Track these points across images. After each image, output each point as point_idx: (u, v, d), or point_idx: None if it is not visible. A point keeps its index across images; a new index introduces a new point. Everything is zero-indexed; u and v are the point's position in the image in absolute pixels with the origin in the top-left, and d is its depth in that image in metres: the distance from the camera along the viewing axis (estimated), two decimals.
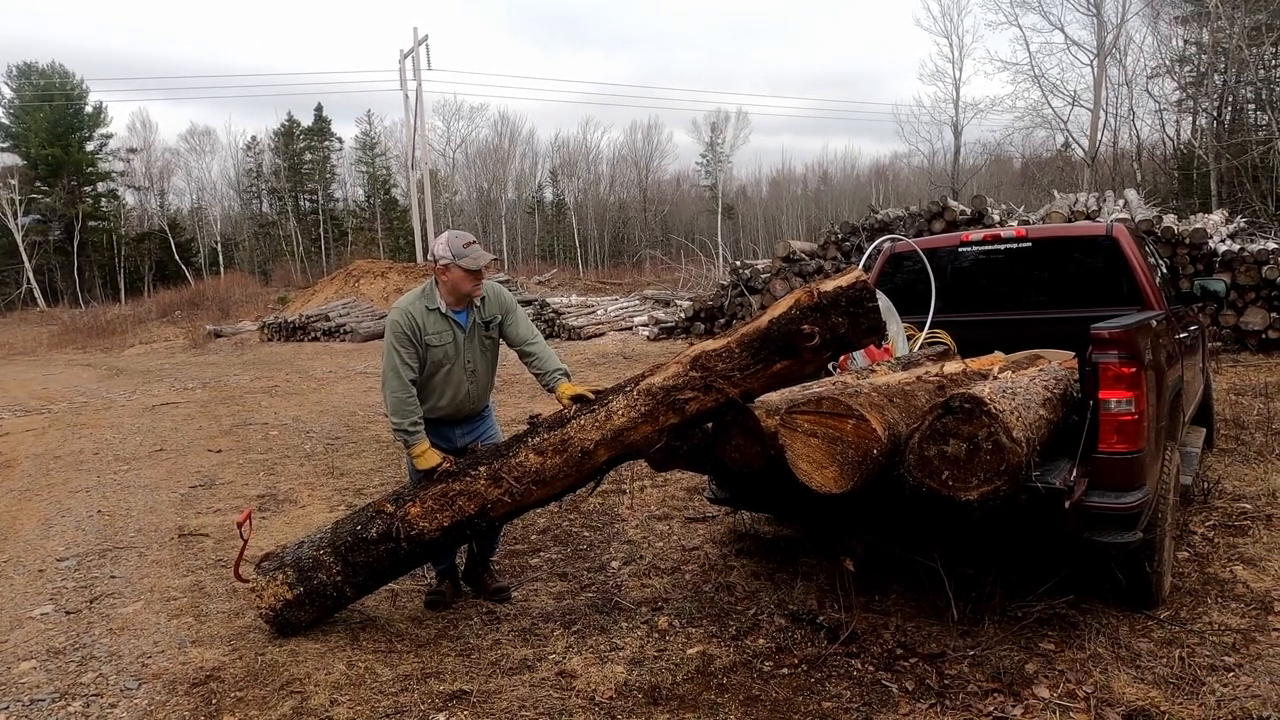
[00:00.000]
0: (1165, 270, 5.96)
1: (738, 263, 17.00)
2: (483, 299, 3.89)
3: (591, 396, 3.54)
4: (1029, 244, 5.05)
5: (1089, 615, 3.46)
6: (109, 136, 51.06)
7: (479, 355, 3.95)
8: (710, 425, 3.37)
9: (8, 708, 3.19)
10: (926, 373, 3.73)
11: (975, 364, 4.13)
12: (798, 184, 67.59)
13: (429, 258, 3.84)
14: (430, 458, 3.69)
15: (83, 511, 6.10)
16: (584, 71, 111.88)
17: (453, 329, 3.83)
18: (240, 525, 3.81)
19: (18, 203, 43.21)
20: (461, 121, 60.66)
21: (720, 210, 56.86)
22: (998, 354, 4.60)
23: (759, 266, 15.92)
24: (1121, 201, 13.87)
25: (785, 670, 3.23)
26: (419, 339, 3.74)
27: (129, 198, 53.43)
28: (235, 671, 3.41)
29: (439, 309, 3.80)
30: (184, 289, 38.27)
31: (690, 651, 3.41)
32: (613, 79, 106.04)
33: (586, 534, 5.08)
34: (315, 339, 21.85)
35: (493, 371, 4.09)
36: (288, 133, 57.12)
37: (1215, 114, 24.64)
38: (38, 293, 43.67)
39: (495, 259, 3.61)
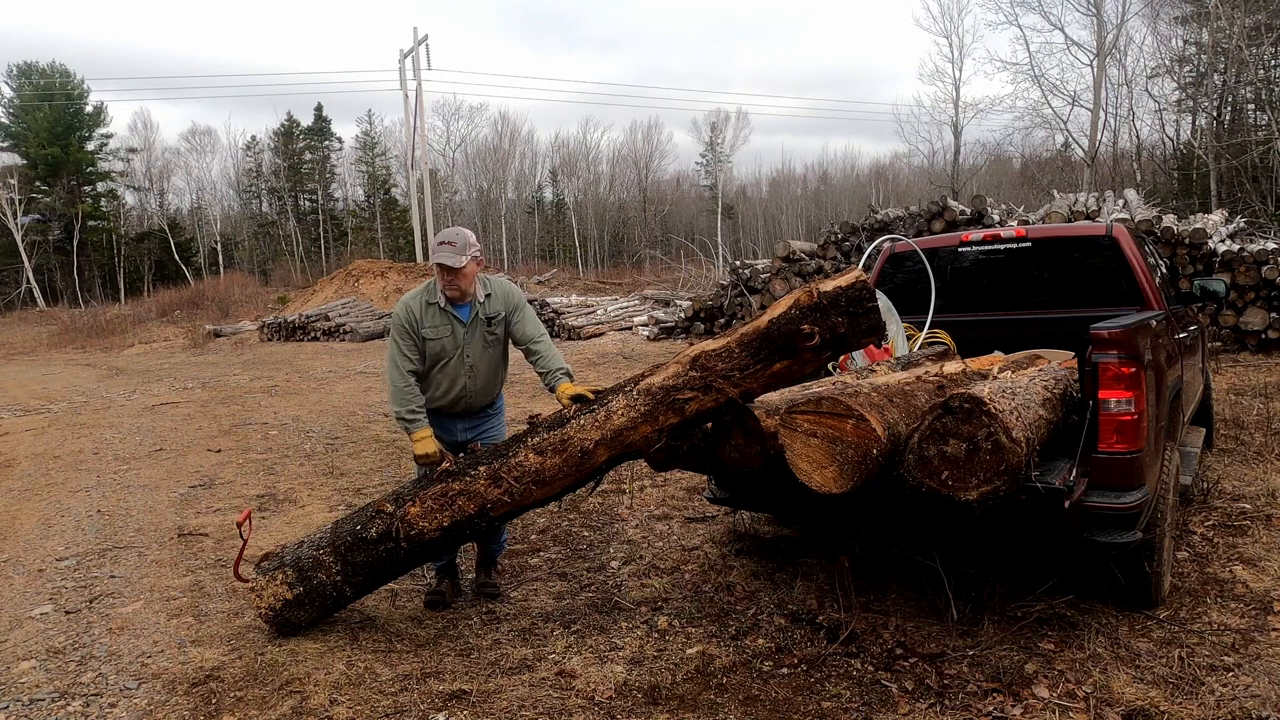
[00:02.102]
0: (1165, 270, 5.97)
1: (737, 263, 16.98)
2: (487, 295, 3.92)
3: (591, 396, 3.54)
4: (1029, 244, 5.05)
5: (1089, 615, 3.46)
6: (109, 136, 51.21)
7: (479, 351, 3.96)
8: (710, 425, 3.37)
9: (7, 707, 3.19)
10: (926, 373, 3.73)
11: (975, 364, 4.13)
12: (797, 184, 67.62)
13: None
14: (428, 444, 3.77)
15: (82, 511, 6.10)
16: (583, 71, 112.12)
17: (451, 323, 3.89)
18: (240, 525, 3.81)
19: (18, 202, 43.21)
20: (461, 121, 61.06)
21: (720, 210, 56.90)
22: (998, 354, 4.60)
23: (759, 266, 15.90)
24: (1121, 201, 13.87)
25: (785, 670, 3.23)
26: (416, 331, 3.85)
27: (129, 197, 53.52)
28: (235, 671, 3.41)
29: (439, 304, 3.88)
30: (184, 289, 38.25)
31: (690, 651, 3.41)
32: (612, 79, 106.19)
33: (586, 534, 5.08)
34: (315, 339, 21.84)
35: (497, 368, 4.09)
36: (287, 132, 57.10)
37: (1215, 114, 24.67)
38: (37, 292, 43.67)
39: (460, 262, 3.71)
